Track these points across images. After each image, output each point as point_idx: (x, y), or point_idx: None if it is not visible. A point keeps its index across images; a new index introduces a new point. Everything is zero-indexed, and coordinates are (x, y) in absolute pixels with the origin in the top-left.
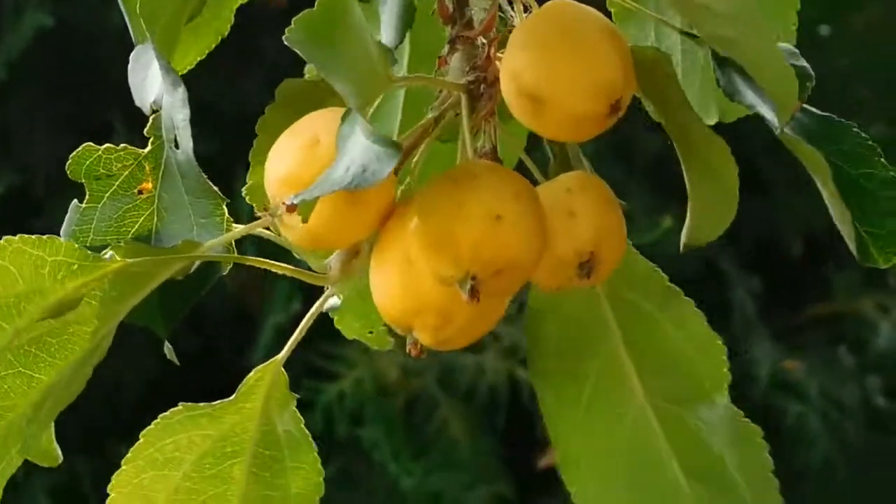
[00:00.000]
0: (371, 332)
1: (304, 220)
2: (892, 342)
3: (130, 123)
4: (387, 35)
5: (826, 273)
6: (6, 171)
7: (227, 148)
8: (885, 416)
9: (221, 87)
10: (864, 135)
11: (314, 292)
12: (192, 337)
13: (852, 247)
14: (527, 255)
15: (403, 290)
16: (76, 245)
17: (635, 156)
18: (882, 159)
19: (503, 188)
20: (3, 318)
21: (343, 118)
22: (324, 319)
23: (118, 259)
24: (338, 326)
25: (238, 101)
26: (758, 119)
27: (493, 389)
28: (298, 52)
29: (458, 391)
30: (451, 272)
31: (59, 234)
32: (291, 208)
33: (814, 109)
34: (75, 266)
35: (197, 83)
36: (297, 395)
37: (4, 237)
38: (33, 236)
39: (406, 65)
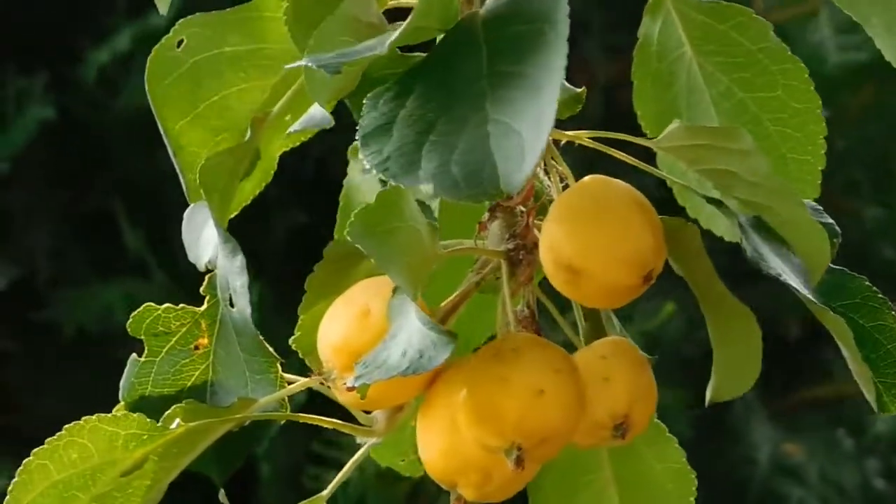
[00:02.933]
0: (403, 461)
1: (363, 398)
2: (891, 425)
3: (132, 214)
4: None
5: (825, 355)
6: (7, 263)
7: None
8: (885, 499)
9: None
10: (874, 288)
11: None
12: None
13: (870, 398)
14: (568, 425)
15: (449, 451)
16: (146, 418)
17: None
18: (892, 312)
19: (544, 363)
20: (78, 489)
21: (394, 291)
22: (325, 406)
23: (182, 424)
24: (373, 456)
25: None
26: None
27: None
28: (359, 246)
29: None
30: (497, 443)
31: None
32: (351, 389)
33: (830, 264)
34: (145, 437)
35: None
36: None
37: (83, 417)
38: (109, 415)
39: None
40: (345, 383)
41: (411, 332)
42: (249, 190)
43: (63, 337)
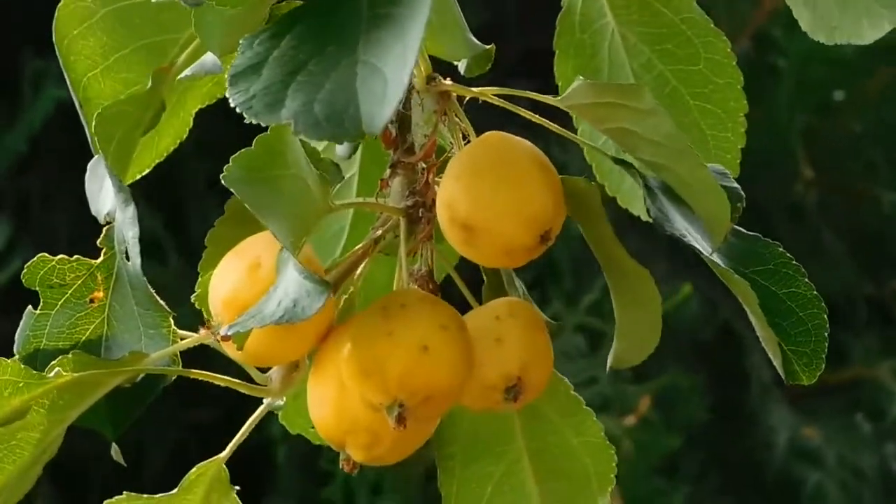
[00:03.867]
0: (313, 428)
1: (239, 348)
2: None
3: (149, 195)
4: (339, 148)
5: (843, 339)
6: (26, 243)
7: None
8: None
9: None
10: (788, 255)
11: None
12: (213, 407)
13: (778, 365)
14: (452, 384)
15: (336, 411)
16: (22, 365)
17: (655, 227)
18: (806, 279)
19: (430, 319)
20: None
21: None
22: None
23: (63, 374)
24: (282, 422)
25: None
26: (780, 187)
27: None
28: (234, 192)
29: None
30: (379, 399)
31: None
32: (226, 338)
33: (741, 229)
34: (21, 384)
35: None
36: (237, 487)
37: None
38: None
39: (358, 172)
40: (220, 334)
41: (288, 282)
42: (164, 147)
43: None
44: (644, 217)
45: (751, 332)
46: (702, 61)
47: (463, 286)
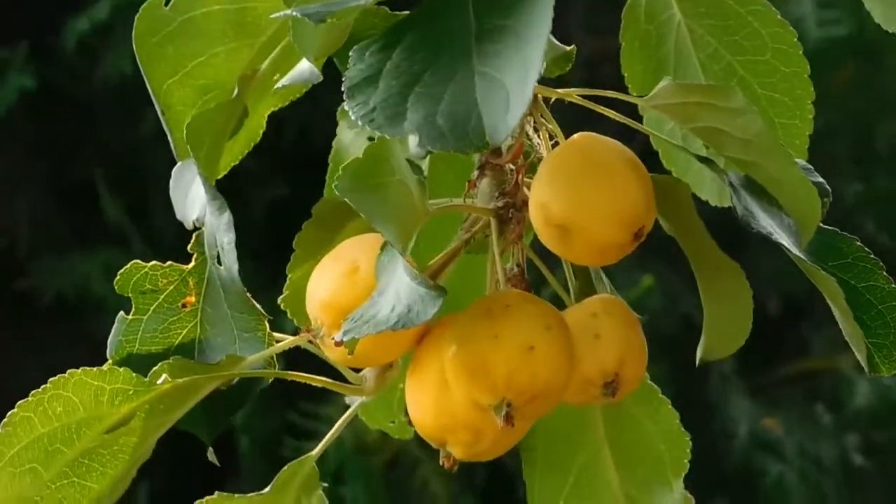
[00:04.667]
0: (393, 423)
1: (351, 353)
2: (870, 400)
3: (112, 184)
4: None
5: (803, 331)
6: None
7: None
8: (863, 473)
9: None
10: (866, 249)
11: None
12: None
13: (861, 359)
14: (558, 382)
15: (439, 409)
16: (132, 373)
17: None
18: (884, 272)
19: (535, 319)
20: (63, 443)
21: (382, 247)
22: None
23: (169, 380)
24: (361, 416)
25: None
26: None
27: None
28: (347, 200)
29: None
30: (487, 399)
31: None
32: (339, 344)
33: (820, 224)
34: (131, 392)
35: None
36: (325, 484)
37: (68, 371)
38: (94, 368)
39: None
40: (333, 339)
41: (400, 288)
42: (238, 150)
43: (41, 305)
44: (713, 202)
45: None
46: (769, 51)
47: (557, 286)
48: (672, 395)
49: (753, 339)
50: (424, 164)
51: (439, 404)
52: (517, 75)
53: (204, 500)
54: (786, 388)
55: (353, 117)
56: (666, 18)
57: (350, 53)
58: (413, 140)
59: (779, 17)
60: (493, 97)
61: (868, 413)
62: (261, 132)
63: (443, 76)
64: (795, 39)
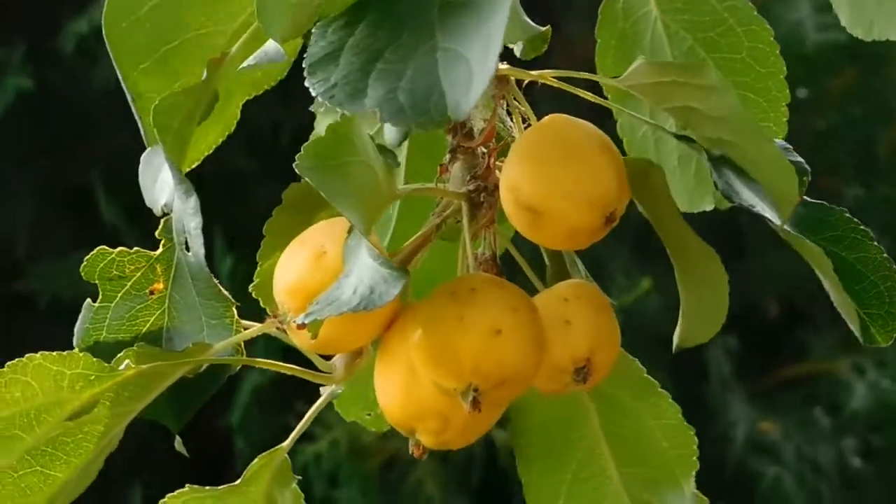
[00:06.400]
0: (369, 415)
1: (314, 337)
2: (868, 404)
3: (109, 186)
4: (389, 135)
5: (802, 334)
6: None
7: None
8: (861, 477)
9: None
10: (855, 220)
11: (292, 352)
12: None
13: (855, 329)
14: (526, 367)
15: (406, 396)
16: (93, 358)
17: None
18: (875, 242)
19: (502, 302)
20: (22, 430)
21: (349, 231)
22: (300, 380)
23: (132, 366)
24: (337, 409)
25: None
26: None
27: (468, 449)
28: (308, 179)
29: (434, 451)
30: (453, 384)
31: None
32: (301, 326)
33: (807, 198)
34: (92, 377)
35: None
36: (299, 477)
37: (27, 355)
38: (54, 353)
39: (405, 158)
40: (294, 321)
41: (362, 269)
42: (213, 139)
43: (39, 307)
44: (683, 208)
45: None
46: (744, 50)
47: (528, 269)
48: (671, 398)
49: (752, 343)
50: (402, 154)
51: (407, 391)
52: (479, 50)
53: (175, 493)
54: (784, 392)
55: (313, 94)
56: (642, 15)
57: (312, 31)
58: (388, 128)
59: (755, 13)
60: (455, 72)
61: (866, 417)
62: (235, 121)
63: (404, 52)
64: (772, 38)
